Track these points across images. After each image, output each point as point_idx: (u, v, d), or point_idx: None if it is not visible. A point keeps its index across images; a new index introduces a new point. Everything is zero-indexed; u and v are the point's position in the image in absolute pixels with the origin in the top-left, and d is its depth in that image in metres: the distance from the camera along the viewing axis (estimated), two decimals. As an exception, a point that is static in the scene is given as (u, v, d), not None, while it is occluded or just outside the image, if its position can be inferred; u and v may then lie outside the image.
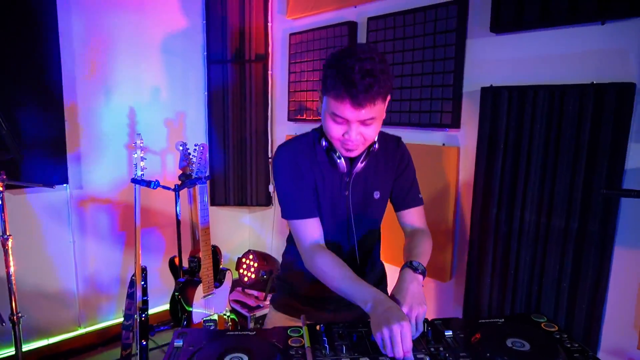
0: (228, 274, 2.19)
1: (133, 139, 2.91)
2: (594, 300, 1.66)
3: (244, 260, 2.77)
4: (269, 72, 3.20)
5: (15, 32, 2.37)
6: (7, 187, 2.01)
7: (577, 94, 1.65)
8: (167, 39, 3.03)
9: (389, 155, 1.34)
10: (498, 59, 1.93)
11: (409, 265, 1.18)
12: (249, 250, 2.79)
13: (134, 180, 1.99)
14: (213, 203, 3.25)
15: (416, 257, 1.21)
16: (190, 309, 2.04)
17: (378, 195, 1.33)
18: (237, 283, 2.98)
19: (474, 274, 2.02)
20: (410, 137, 2.27)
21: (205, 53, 3.18)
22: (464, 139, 2.09)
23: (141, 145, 2.00)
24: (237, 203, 3.30)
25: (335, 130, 1.14)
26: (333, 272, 1.17)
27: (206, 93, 3.21)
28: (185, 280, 2.06)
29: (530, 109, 1.79)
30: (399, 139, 1.39)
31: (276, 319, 1.46)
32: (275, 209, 3.31)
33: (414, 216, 1.38)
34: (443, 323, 1.15)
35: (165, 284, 3.05)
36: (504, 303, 1.92)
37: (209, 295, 2.08)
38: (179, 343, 1.08)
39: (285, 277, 1.49)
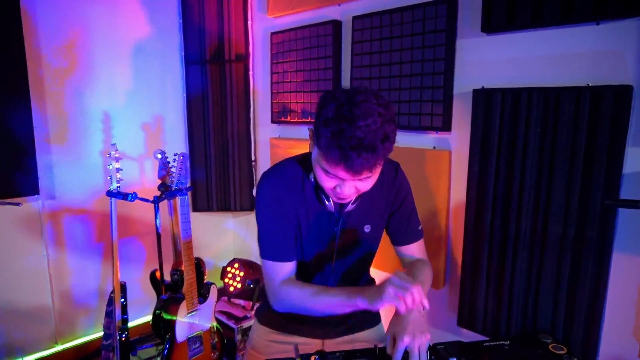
0: (213, 288, 2.09)
1: (108, 145, 2.78)
2: (593, 307, 1.62)
3: (229, 269, 2.67)
4: (250, 73, 3.08)
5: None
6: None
7: (572, 96, 1.60)
8: (141, 38, 2.88)
9: (384, 186, 1.25)
10: (490, 60, 1.86)
11: None
12: (234, 259, 2.69)
13: (110, 194, 1.87)
14: (195, 209, 3.13)
15: None
16: (174, 327, 1.93)
17: (369, 229, 1.26)
18: (222, 293, 2.88)
19: (468, 281, 1.97)
20: (399, 140, 2.18)
21: (183, 53, 3.04)
22: (456, 143, 2.03)
23: (116, 156, 1.88)
24: (220, 208, 3.18)
25: (326, 183, 1.07)
26: (306, 290, 1.14)
27: (185, 95, 3.08)
28: (168, 297, 1.95)
29: (524, 112, 1.74)
30: (397, 167, 1.29)
31: (261, 333, 1.39)
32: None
33: (414, 250, 1.31)
34: (446, 348, 1.08)
35: (147, 295, 2.92)
36: (499, 310, 1.87)
37: (193, 312, 1.98)
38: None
39: None
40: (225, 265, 2.71)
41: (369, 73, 2.28)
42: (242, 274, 2.58)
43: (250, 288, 2.55)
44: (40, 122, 2.50)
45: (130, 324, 2.94)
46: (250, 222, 3.31)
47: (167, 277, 2.20)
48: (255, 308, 2.57)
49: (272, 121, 2.92)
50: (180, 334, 1.93)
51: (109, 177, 1.87)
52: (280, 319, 1.36)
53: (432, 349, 1.06)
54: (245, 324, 2.45)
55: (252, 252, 3.29)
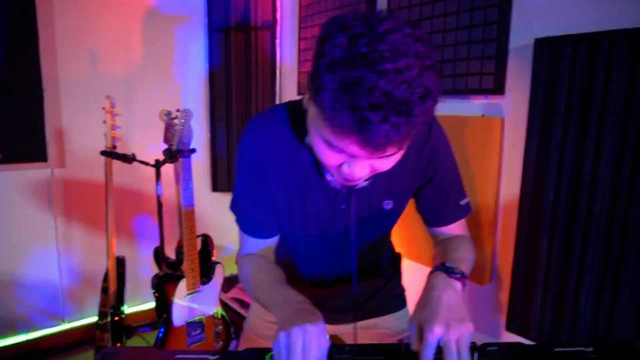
0: (218, 269, 1.84)
1: (124, 113, 2.60)
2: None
3: (244, 252, 2.42)
4: (277, 42, 2.82)
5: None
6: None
7: (674, 38, 1.23)
8: (163, 2, 2.68)
9: (411, 150, 0.87)
10: (558, 2, 1.50)
11: (440, 267, 0.80)
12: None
13: (105, 153, 1.66)
14: (215, 188, 2.91)
15: (453, 261, 0.83)
16: (171, 309, 1.69)
17: (390, 206, 0.94)
18: (237, 279, 2.64)
19: (521, 277, 1.61)
20: (441, 107, 1.87)
21: (206, 20, 2.83)
22: (510, 108, 1.68)
23: (111, 110, 1.66)
24: (241, 189, 2.94)
25: (328, 159, 0.73)
26: (253, 278, 0.90)
27: (207, 65, 2.86)
28: (163, 274, 1.72)
29: (603, 65, 1.37)
30: (430, 123, 0.90)
31: (260, 313, 1.12)
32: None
33: (453, 229, 0.99)
34: (500, 350, 0.76)
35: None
36: (561, 316, 1.51)
37: (194, 293, 1.73)
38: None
39: None
40: (240, 248, 2.47)
41: (407, 30, 1.96)
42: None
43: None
44: (52, 87, 2.35)
45: (140, 308, 2.77)
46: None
47: (172, 255, 1.97)
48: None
49: (299, 93, 2.65)
50: (178, 318, 1.69)
51: (104, 135, 1.66)
52: None
53: (481, 351, 0.74)
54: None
55: (274, 238, 3.04)
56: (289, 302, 0.77)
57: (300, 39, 2.60)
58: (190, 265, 1.71)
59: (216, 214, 2.93)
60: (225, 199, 3.00)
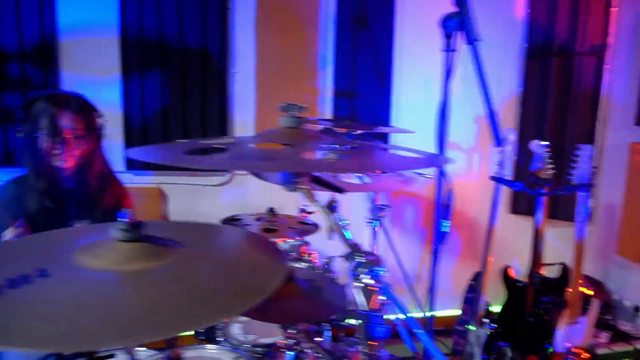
0: (595, 303, 1.85)
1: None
2: None
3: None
4: (604, 67, 2.69)
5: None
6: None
7: None
8: (483, 27, 2.81)
9: None
10: None
11: None
12: (578, 274, 2.37)
13: (497, 179, 1.83)
14: (514, 210, 2.94)
15: None
16: (554, 334, 1.77)
17: None
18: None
19: None
20: None
21: (526, 45, 2.87)
22: None
23: (513, 140, 1.83)
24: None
25: None
26: None
27: (521, 90, 2.91)
28: (553, 300, 1.81)
29: None
30: None
31: None
32: (594, 227, 2.79)
33: None
34: None
35: (455, 288, 2.89)
36: None
37: (572, 323, 1.78)
38: None
39: None
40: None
41: None
42: (591, 293, 2.25)
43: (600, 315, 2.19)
44: (397, 108, 2.72)
45: (440, 314, 2.98)
46: (563, 237, 2.91)
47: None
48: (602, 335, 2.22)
49: (637, 124, 2.49)
50: (559, 344, 1.76)
51: (501, 162, 1.84)
52: None
53: None
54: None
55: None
56: None
57: (646, 66, 2.44)
58: (575, 296, 1.76)
59: (512, 237, 2.96)
60: (522, 222, 2.99)
